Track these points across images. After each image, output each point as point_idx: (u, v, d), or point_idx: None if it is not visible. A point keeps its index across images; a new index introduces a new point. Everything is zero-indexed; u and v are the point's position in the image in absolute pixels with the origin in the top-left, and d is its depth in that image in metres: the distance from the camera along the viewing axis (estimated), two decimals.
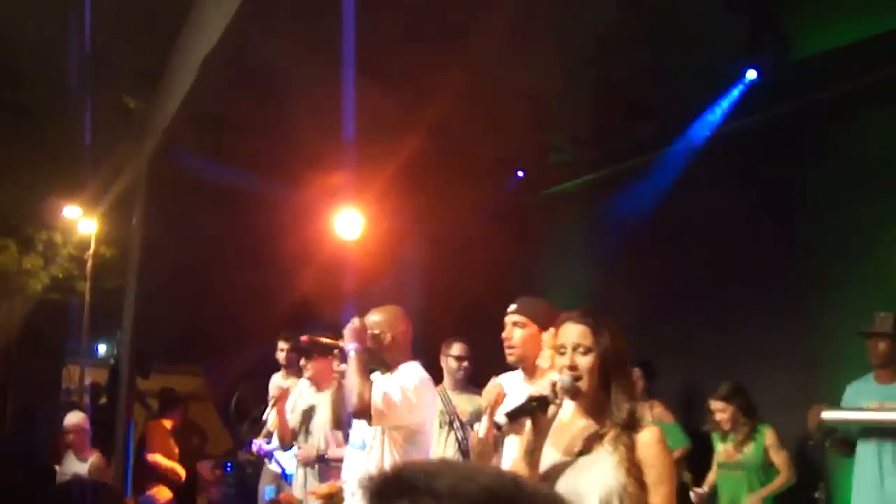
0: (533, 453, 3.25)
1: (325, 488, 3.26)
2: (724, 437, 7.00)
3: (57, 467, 8.46)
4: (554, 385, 3.24)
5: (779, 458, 6.87)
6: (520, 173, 10.06)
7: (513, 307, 4.60)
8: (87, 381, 12.01)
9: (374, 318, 5.22)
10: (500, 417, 3.21)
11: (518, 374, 4.65)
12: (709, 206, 7.89)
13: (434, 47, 7.87)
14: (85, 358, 12.14)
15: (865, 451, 6.19)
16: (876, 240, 6.98)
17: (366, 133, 8.42)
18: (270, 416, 8.48)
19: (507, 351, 4.53)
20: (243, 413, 10.45)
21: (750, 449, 6.88)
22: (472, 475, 1.34)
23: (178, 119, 8.17)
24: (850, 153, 7.21)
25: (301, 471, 7.07)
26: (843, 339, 7.05)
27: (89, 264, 11.63)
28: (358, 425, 5.22)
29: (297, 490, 7.13)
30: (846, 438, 6.35)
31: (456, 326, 7.85)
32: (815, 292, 7.42)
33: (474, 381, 7.44)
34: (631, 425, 3.23)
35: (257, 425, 9.03)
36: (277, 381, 8.65)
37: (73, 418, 8.26)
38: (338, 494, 3.33)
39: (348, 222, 9.40)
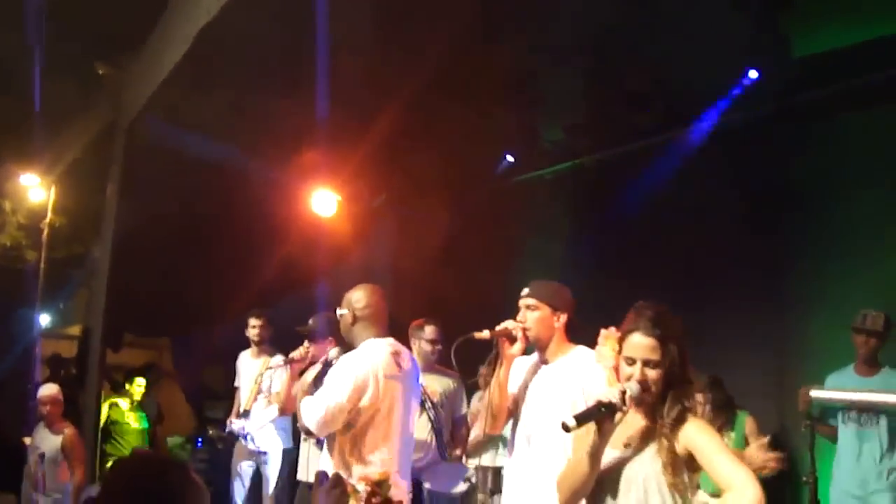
0: (596, 455, 3.37)
1: (376, 475, 3.25)
2: None
3: (27, 440, 8.29)
4: (623, 394, 3.33)
5: (755, 442, 7.01)
6: (509, 157, 10.09)
7: (525, 291, 4.72)
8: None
9: (345, 297, 5.22)
10: (570, 420, 3.26)
11: (532, 358, 4.78)
12: (701, 198, 8.06)
13: (415, 24, 7.83)
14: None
15: (846, 432, 6.68)
16: (861, 235, 7.19)
17: (346, 113, 8.39)
18: (244, 393, 8.45)
19: (522, 333, 4.63)
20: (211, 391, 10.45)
21: (729, 438, 7.01)
22: None
23: (163, 89, 8.06)
24: (843, 151, 7.42)
25: (305, 446, 7.05)
26: (819, 330, 7.35)
27: (45, 233, 11.41)
28: None
29: (301, 466, 7.11)
30: (829, 424, 6.83)
31: (426, 307, 7.84)
32: (795, 284, 7.66)
33: (441, 360, 7.50)
34: (678, 421, 3.39)
35: (229, 403, 9.00)
36: (246, 358, 8.61)
37: (49, 390, 8.06)
38: (387, 481, 3.32)
39: (323, 200, 9.37)
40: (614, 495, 3.42)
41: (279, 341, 8.06)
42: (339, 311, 5.20)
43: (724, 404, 7.06)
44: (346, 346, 6.19)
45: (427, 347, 7.26)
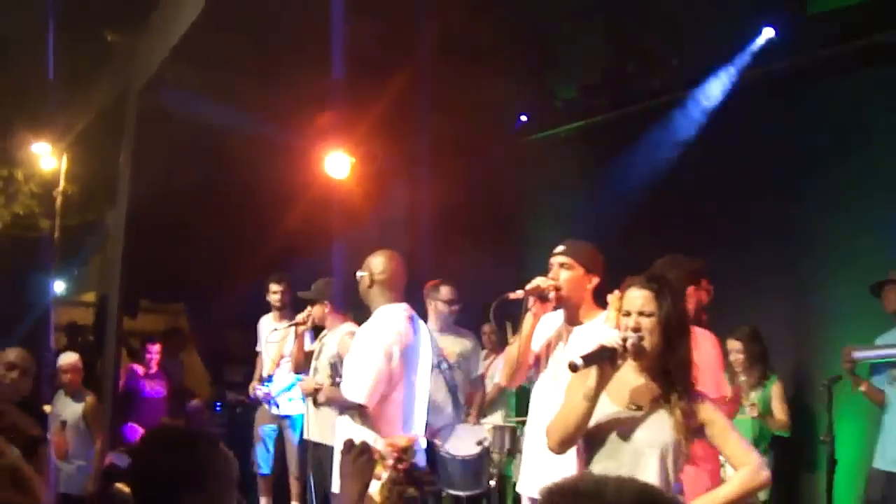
0: (594, 399, 3.46)
1: (402, 440, 3.27)
2: (732, 379, 6.89)
3: (48, 408, 8.32)
4: (625, 341, 3.45)
5: (779, 408, 7.00)
6: (523, 117, 10.07)
7: (560, 248, 4.66)
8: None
9: (366, 261, 5.29)
10: (578, 360, 3.35)
11: (556, 316, 4.75)
12: (715, 157, 8.01)
13: None
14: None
15: (892, 391, 6.51)
16: (878, 194, 7.13)
17: (359, 73, 8.34)
18: (266, 357, 8.48)
19: (555, 293, 4.57)
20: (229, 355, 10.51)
21: (757, 394, 7.00)
22: (629, 483, 1.74)
23: (175, 55, 8.02)
24: (859, 109, 7.35)
25: (308, 405, 7.07)
26: (837, 290, 7.31)
27: (58, 201, 11.42)
28: None
29: (305, 426, 7.15)
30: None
31: (440, 268, 7.85)
32: (812, 243, 7.61)
33: (457, 321, 7.51)
34: (691, 393, 3.52)
35: (247, 367, 9.04)
36: (268, 323, 8.63)
37: (69, 358, 8.09)
38: (413, 446, 3.36)
39: (337, 162, 9.34)
40: (626, 455, 3.49)
41: (297, 305, 8.08)
42: (358, 274, 5.27)
43: (759, 358, 7.03)
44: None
45: (443, 308, 7.30)
